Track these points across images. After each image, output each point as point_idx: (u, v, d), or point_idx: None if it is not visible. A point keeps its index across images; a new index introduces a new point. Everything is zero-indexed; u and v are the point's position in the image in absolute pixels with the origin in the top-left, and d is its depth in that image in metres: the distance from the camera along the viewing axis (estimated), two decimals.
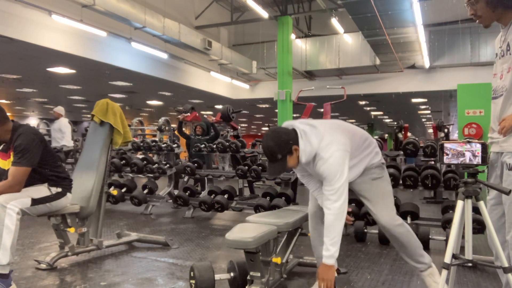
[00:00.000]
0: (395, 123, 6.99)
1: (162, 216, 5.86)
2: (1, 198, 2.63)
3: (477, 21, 2.15)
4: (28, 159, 2.76)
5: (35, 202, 2.83)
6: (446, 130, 8.89)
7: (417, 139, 4.69)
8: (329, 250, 2.20)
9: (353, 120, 26.03)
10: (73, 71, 11.13)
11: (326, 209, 2.23)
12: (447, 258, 2.03)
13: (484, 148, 2.04)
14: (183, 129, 7.22)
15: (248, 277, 2.48)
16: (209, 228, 4.96)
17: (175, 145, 6.57)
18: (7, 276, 2.59)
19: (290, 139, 2.29)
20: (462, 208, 2.08)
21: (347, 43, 13.35)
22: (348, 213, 2.34)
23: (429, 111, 20.04)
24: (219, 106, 18.61)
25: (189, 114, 7.22)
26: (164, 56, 11.04)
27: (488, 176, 2.27)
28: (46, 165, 2.95)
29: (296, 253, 3.55)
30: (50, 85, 13.50)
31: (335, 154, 2.24)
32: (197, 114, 7.64)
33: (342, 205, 2.22)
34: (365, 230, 4.25)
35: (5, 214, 2.59)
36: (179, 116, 7.07)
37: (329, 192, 2.23)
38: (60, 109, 8.19)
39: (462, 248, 2.17)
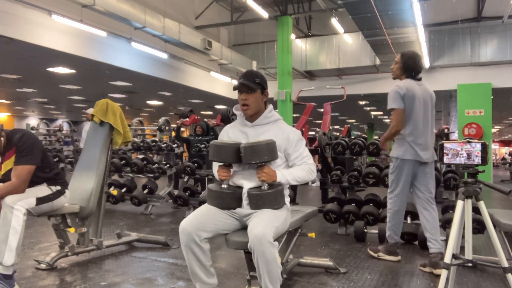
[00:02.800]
0: None
1: (162, 216, 5.86)
2: (8, 199, 2.63)
3: (393, 73, 3.58)
4: (32, 158, 2.78)
5: (39, 201, 2.84)
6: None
7: None
8: (287, 179, 2.34)
9: (353, 120, 26.04)
10: (73, 71, 11.12)
11: (306, 164, 2.43)
12: (447, 258, 2.03)
13: (484, 148, 2.04)
14: (181, 133, 7.13)
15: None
16: None
17: (175, 145, 6.57)
18: (11, 276, 2.60)
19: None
20: (462, 208, 2.09)
21: (347, 43, 13.35)
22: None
23: None
24: (219, 106, 18.60)
25: (187, 119, 7.20)
26: (164, 56, 11.03)
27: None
28: (44, 165, 2.95)
29: (296, 253, 3.55)
30: (50, 85, 13.50)
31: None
32: (196, 117, 7.62)
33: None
34: (365, 230, 4.25)
35: (12, 215, 2.59)
36: (177, 122, 7.04)
37: (305, 155, 2.44)
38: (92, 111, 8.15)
39: (462, 248, 2.17)
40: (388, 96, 3.41)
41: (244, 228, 2.35)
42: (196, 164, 6.06)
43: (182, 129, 7.14)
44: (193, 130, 7.12)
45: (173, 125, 9.14)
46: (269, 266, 2.11)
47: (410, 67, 3.46)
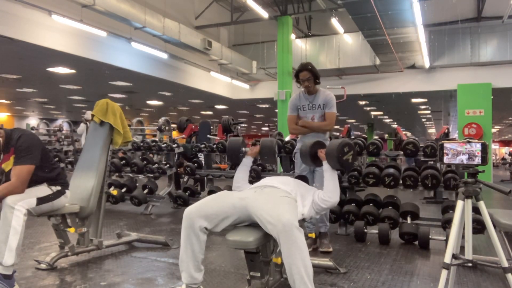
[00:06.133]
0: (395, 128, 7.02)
1: (162, 216, 5.86)
2: (8, 199, 2.63)
3: (308, 89, 3.86)
4: (31, 157, 2.77)
5: (39, 201, 2.84)
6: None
7: (417, 139, 4.69)
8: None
9: (353, 120, 26.05)
10: (73, 71, 11.13)
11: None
12: (447, 258, 2.03)
13: (484, 148, 2.04)
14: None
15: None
16: None
17: (175, 145, 6.57)
18: (11, 277, 2.60)
19: None
20: (462, 208, 2.09)
21: (347, 43, 13.35)
22: None
23: (429, 111, 20.04)
24: (219, 106, 18.60)
25: (184, 136, 7.24)
26: (164, 56, 11.03)
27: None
28: (45, 165, 2.95)
29: None
30: (50, 85, 13.50)
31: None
32: (193, 126, 7.64)
33: None
34: (365, 230, 4.25)
35: (12, 215, 2.59)
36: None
37: None
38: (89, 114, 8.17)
39: (462, 248, 2.17)
40: (334, 102, 3.85)
41: (247, 219, 2.38)
42: (196, 164, 6.06)
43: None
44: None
45: (173, 125, 9.14)
46: (303, 253, 2.11)
47: (319, 75, 3.85)
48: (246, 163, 3.09)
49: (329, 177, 2.75)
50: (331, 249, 3.80)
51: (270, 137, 3.22)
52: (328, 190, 2.69)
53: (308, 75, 3.78)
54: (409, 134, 32.64)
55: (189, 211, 2.34)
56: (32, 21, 8.14)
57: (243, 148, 3.18)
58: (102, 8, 8.08)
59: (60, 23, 8.32)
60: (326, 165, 2.80)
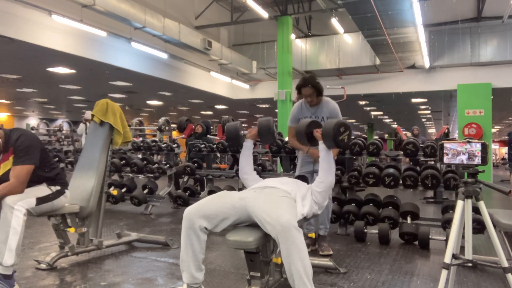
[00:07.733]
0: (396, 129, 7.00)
1: (162, 216, 5.86)
2: (8, 199, 2.63)
3: (311, 103, 3.76)
4: (31, 157, 2.77)
5: (39, 201, 2.84)
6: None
7: (416, 139, 4.69)
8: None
9: (353, 120, 26.05)
10: (73, 71, 11.13)
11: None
12: (447, 258, 2.03)
13: (484, 148, 2.04)
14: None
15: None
16: None
17: (175, 145, 6.57)
18: (11, 277, 2.60)
19: None
20: (462, 208, 2.09)
21: (347, 43, 13.35)
22: None
23: (429, 111, 20.04)
24: (219, 106, 18.59)
25: (184, 136, 7.25)
26: (164, 56, 11.03)
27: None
28: (44, 165, 2.95)
29: None
30: (50, 85, 13.50)
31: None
32: (193, 126, 7.67)
33: None
34: (365, 230, 4.25)
35: (12, 215, 2.59)
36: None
37: None
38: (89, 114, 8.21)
39: (462, 248, 2.17)
40: (339, 112, 3.76)
41: (247, 219, 2.39)
42: (196, 164, 6.06)
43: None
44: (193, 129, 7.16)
45: (173, 125, 9.14)
46: (301, 253, 2.11)
47: (322, 89, 3.72)
48: (248, 147, 3.07)
49: (324, 157, 2.78)
50: (331, 252, 3.75)
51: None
52: (322, 169, 2.72)
53: (310, 91, 3.67)
54: (409, 134, 32.63)
55: (189, 211, 2.34)
56: (32, 21, 8.13)
57: (242, 132, 3.14)
58: (102, 8, 8.07)
59: (60, 23, 8.32)
60: (322, 145, 2.82)
